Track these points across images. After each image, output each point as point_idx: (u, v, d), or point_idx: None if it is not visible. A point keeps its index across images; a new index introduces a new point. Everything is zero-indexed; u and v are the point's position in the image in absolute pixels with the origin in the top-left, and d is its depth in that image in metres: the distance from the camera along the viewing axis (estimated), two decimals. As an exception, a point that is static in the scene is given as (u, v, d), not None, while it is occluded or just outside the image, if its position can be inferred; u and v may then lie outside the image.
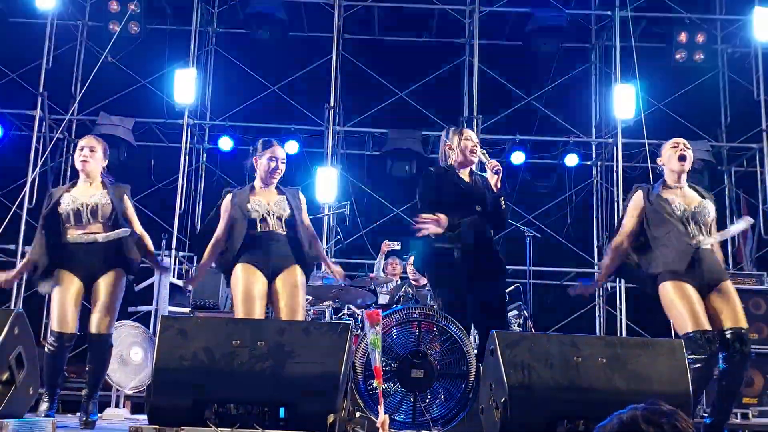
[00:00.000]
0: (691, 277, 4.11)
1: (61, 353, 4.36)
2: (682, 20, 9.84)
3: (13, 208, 7.40)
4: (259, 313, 4.26)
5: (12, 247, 8.95)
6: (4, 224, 6.86)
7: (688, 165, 4.40)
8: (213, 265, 4.65)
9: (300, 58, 10.03)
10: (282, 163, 4.58)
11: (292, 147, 9.32)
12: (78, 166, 4.62)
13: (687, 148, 4.42)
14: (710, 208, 4.32)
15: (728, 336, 4.05)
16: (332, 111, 9.60)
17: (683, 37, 9.66)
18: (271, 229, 4.42)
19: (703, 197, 4.39)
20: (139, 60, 9.69)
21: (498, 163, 4.39)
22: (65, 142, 9.94)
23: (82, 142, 4.69)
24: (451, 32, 10.49)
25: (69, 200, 4.48)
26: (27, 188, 8.74)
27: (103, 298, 4.38)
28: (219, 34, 10.58)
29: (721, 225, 10.15)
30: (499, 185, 4.42)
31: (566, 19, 9.81)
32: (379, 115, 9.96)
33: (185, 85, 9.22)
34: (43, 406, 4.38)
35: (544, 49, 9.65)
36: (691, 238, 4.18)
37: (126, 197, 4.65)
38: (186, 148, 9.49)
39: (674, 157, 4.38)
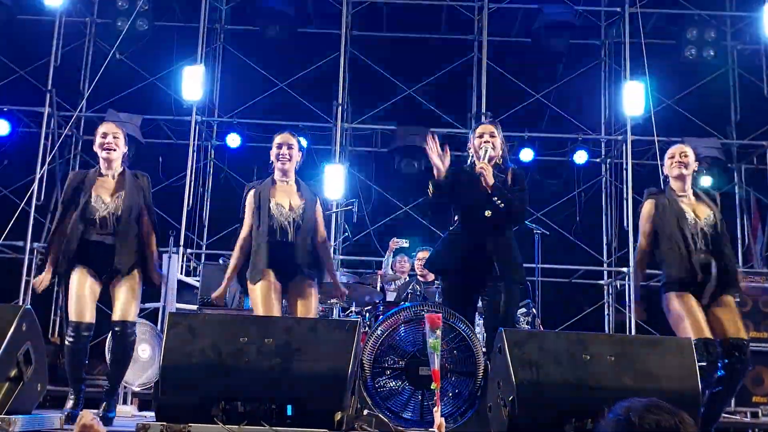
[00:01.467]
0: (694, 288, 4.27)
1: (79, 345, 4.32)
2: (692, 17, 9.79)
3: (21, 204, 7.41)
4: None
5: (20, 243, 8.98)
6: (12, 221, 6.88)
7: (688, 172, 4.49)
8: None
9: (308, 55, 10.02)
10: (289, 148, 4.55)
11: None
12: (102, 155, 4.47)
13: (685, 156, 4.50)
14: (717, 217, 4.42)
15: (730, 345, 4.18)
16: (340, 108, 9.59)
17: (693, 33, 9.62)
18: (290, 240, 4.43)
19: (710, 206, 4.47)
20: (147, 57, 9.70)
21: (482, 167, 4.28)
22: (73, 139, 9.97)
23: (103, 129, 4.53)
24: (460, 29, 10.46)
25: (99, 204, 4.41)
26: (35, 185, 8.77)
27: (124, 292, 4.38)
28: (227, 30, 10.58)
29: (731, 222, 10.13)
30: (490, 182, 4.27)
31: (575, 16, 9.78)
32: (387, 112, 9.94)
33: (193, 82, 9.21)
34: (69, 403, 4.36)
35: (553, 45, 9.62)
36: (697, 252, 4.30)
37: (145, 189, 4.56)
38: (194, 145, 9.49)
39: (673, 168, 4.50)
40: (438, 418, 3.14)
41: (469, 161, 4.53)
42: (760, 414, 6.88)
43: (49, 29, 9.61)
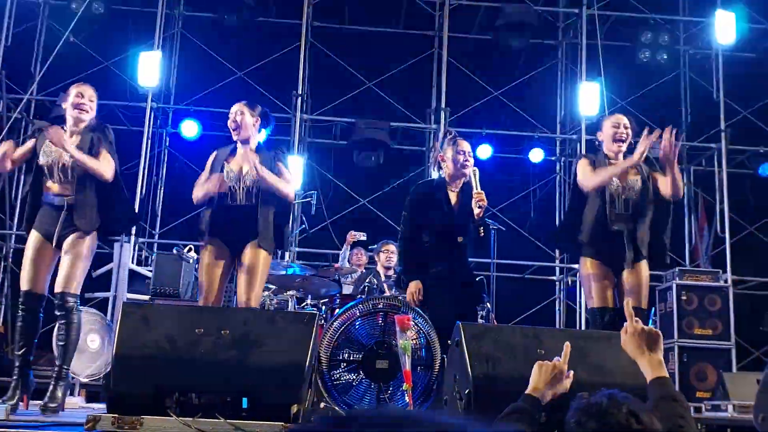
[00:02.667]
0: (607, 255, 4.34)
1: (30, 315, 4.31)
2: (647, 20, 9.98)
3: (-32, 188, 7.20)
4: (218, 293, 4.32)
5: (-34, 227, 8.74)
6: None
7: (625, 147, 4.51)
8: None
9: (268, 45, 9.93)
10: (240, 114, 4.54)
11: (259, 134, 9.23)
12: (72, 113, 4.45)
13: (626, 128, 4.51)
14: (645, 185, 4.41)
15: (616, 314, 4.28)
16: (300, 99, 9.53)
17: (647, 37, 9.80)
18: (239, 203, 4.39)
19: (641, 172, 4.45)
20: (102, 41, 9.49)
21: (484, 198, 4.28)
22: (23, 123, 9.71)
23: (80, 89, 4.51)
24: (421, 24, 10.49)
25: (49, 151, 4.37)
26: (-18, 169, 8.50)
27: (69, 259, 4.33)
28: (185, 17, 10.41)
29: (680, 222, 10.30)
30: (481, 215, 4.31)
31: (535, 16, 9.88)
32: (347, 104, 9.92)
33: (149, 68, 9.05)
34: (10, 392, 4.29)
35: (513, 44, 9.71)
36: (614, 217, 4.36)
37: (103, 136, 4.50)
38: (149, 132, 9.33)
39: (611, 137, 4.50)
40: None
41: (437, 175, 4.50)
42: (703, 409, 7.03)
43: (0, 9, 9.33)
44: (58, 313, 4.36)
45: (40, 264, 4.35)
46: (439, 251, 4.32)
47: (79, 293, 4.44)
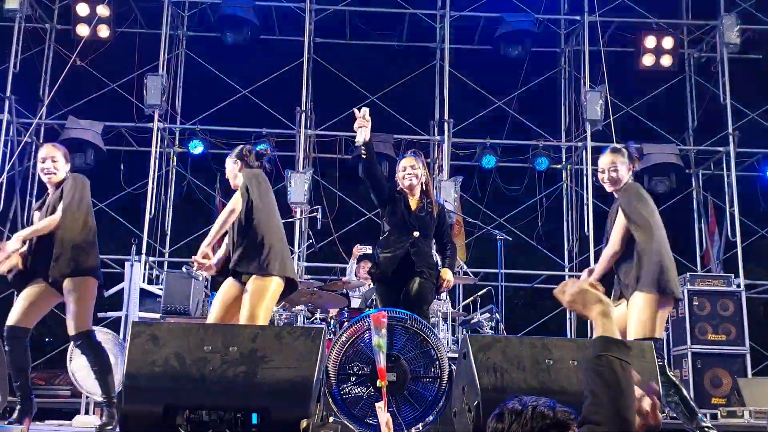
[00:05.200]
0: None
1: (12, 349, 4.36)
2: (650, 25, 10.00)
3: (-20, 213, 7.27)
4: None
5: (-21, 252, 8.78)
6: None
7: (609, 188, 4.42)
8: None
9: (271, 62, 10.01)
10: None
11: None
12: (44, 179, 4.58)
13: (602, 173, 4.39)
14: None
15: None
16: (304, 114, 9.59)
17: (651, 41, 9.81)
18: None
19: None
20: (108, 64, 9.61)
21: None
22: (33, 147, 9.80)
23: (42, 154, 4.59)
24: (423, 37, 10.55)
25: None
26: (-6, 192, 8.59)
27: (69, 304, 4.42)
28: (189, 37, 10.51)
29: (690, 227, 10.21)
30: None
31: (536, 24, 9.91)
32: (351, 118, 9.92)
33: (155, 89, 9.15)
34: (16, 415, 4.38)
35: (514, 53, 9.74)
36: None
37: (67, 187, 4.48)
38: (156, 152, 9.41)
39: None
40: (384, 416, 3.15)
41: (399, 186, 5.07)
42: (719, 416, 6.97)
43: (8, 35, 9.45)
44: (81, 352, 4.52)
45: (33, 303, 4.44)
46: (397, 239, 4.89)
47: (91, 326, 4.52)
